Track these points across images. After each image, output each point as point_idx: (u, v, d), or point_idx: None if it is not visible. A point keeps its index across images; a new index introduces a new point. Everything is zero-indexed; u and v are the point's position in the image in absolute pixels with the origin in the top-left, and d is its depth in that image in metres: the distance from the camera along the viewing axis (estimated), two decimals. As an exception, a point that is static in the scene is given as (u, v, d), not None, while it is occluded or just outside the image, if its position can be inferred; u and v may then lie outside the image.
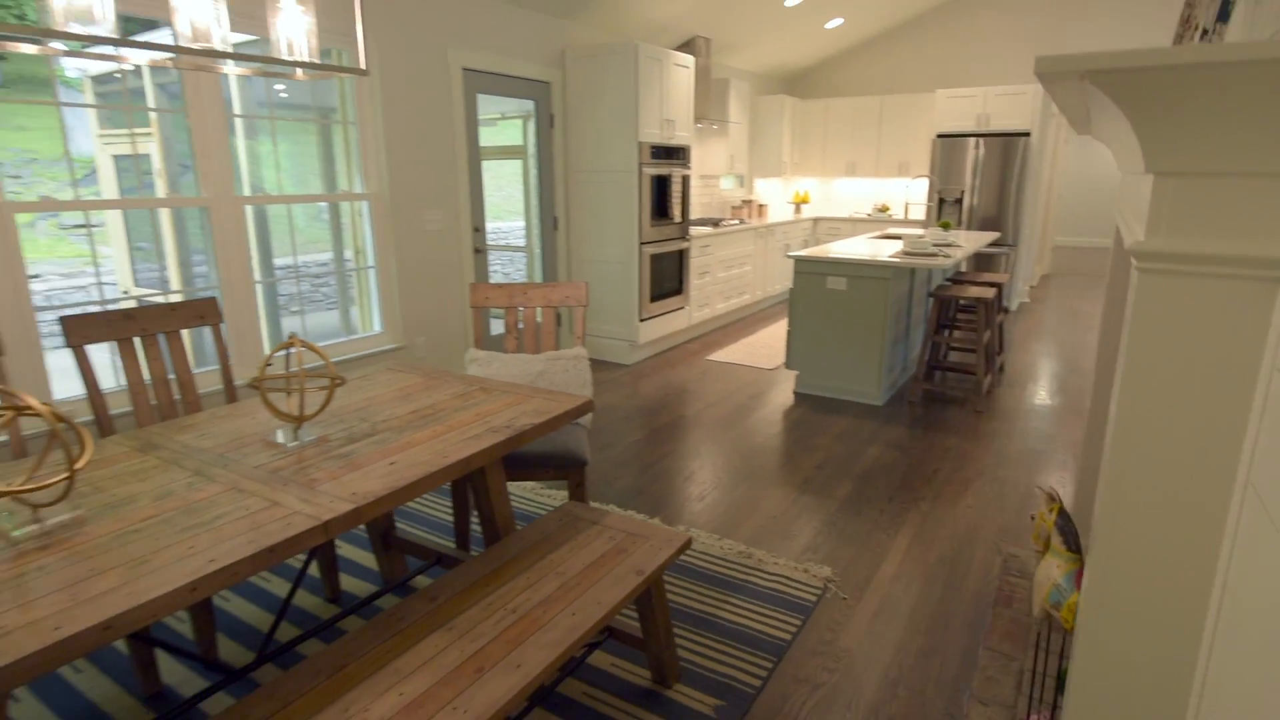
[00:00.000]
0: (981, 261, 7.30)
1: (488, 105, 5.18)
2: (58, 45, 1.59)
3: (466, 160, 4.60)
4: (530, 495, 3.27)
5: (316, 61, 1.72)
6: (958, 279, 5.11)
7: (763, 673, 2.09)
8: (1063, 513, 1.80)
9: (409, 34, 4.10)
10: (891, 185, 8.49)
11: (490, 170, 5.16)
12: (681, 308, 5.94)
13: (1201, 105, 0.81)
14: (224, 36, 1.56)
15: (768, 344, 6.09)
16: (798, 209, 8.72)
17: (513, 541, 1.94)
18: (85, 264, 9.37)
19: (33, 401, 1.35)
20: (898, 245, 5.15)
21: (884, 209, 8.44)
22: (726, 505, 3.16)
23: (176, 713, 1.91)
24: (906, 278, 4.77)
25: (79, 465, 1.40)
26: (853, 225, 8.31)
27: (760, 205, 7.98)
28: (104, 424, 2.10)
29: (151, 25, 3.48)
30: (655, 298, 5.56)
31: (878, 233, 6.32)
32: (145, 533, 1.37)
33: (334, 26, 3.73)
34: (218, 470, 1.66)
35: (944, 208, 7.36)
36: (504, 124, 5.93)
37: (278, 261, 5.50)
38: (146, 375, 2.83)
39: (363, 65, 2.02)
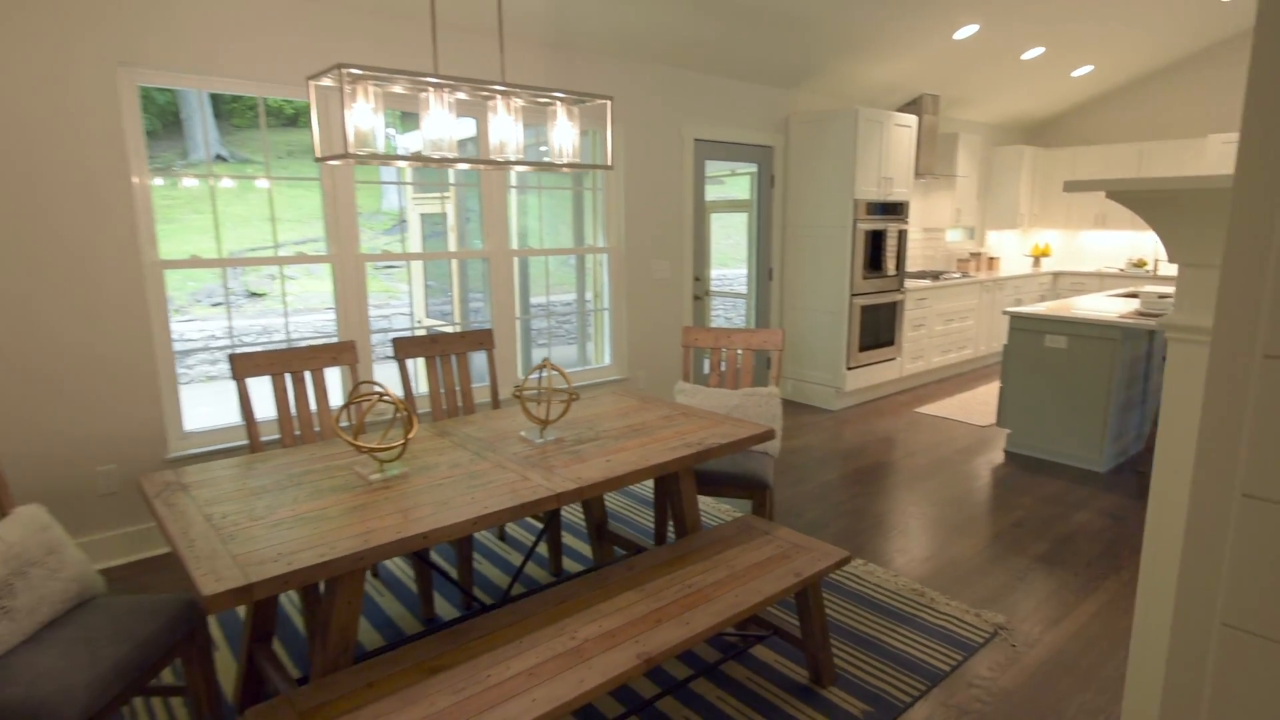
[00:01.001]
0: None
1: (719, 164, 5.79)
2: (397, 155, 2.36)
3: (691, 218, 5.21)
4: (718, 512, 3.66)
5: (578, 162, 2.33)
6: (1210, 343, 4.64)
7: (915, 693, 2.27)
8: None
9: (649, 113, 4.82)
10: (1149, 239, 7.74)
11: (719, 221, 5.74)
12: (893, 359, 6.01)
13: (1186, 214, 1.01)
14: (517, 147, 2.22)
15: (985, 400, 5.92)
16: (1036, 262, 8.27)
17: (696, 538, 2.36)
18: (390, 297, 11.51)
19: (390, 393, 2.05)
20: (1135, 304, 4.83)
21: (1140, 264, 7.71)
22: (910, 546, 3.30)
23: (443, 626, 2.57)
24: (1144, 340, 4.48)
25: (410, 437, 2.08)
26: (1099, 280, 7.70)
27: (991, 258, 7.72)
28: (412, 416, 2.89)
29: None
30: (865, 347, 5.72)
31: (1122, 290, 5.88)
32: (444, 486, 2.00)
33: (593, 112, 4.54)
34: (488, 453, 2.29)
35: (1212, 264, 6.58)
36: (731, 180, 6.52)
37: (533, 300, 6.53)
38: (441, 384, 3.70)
39: (609, 162, 2.63)
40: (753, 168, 5.75)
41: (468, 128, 4.37)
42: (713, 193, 5.59)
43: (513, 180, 4.95)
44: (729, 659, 2.41)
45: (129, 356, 3.12)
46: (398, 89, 2.03)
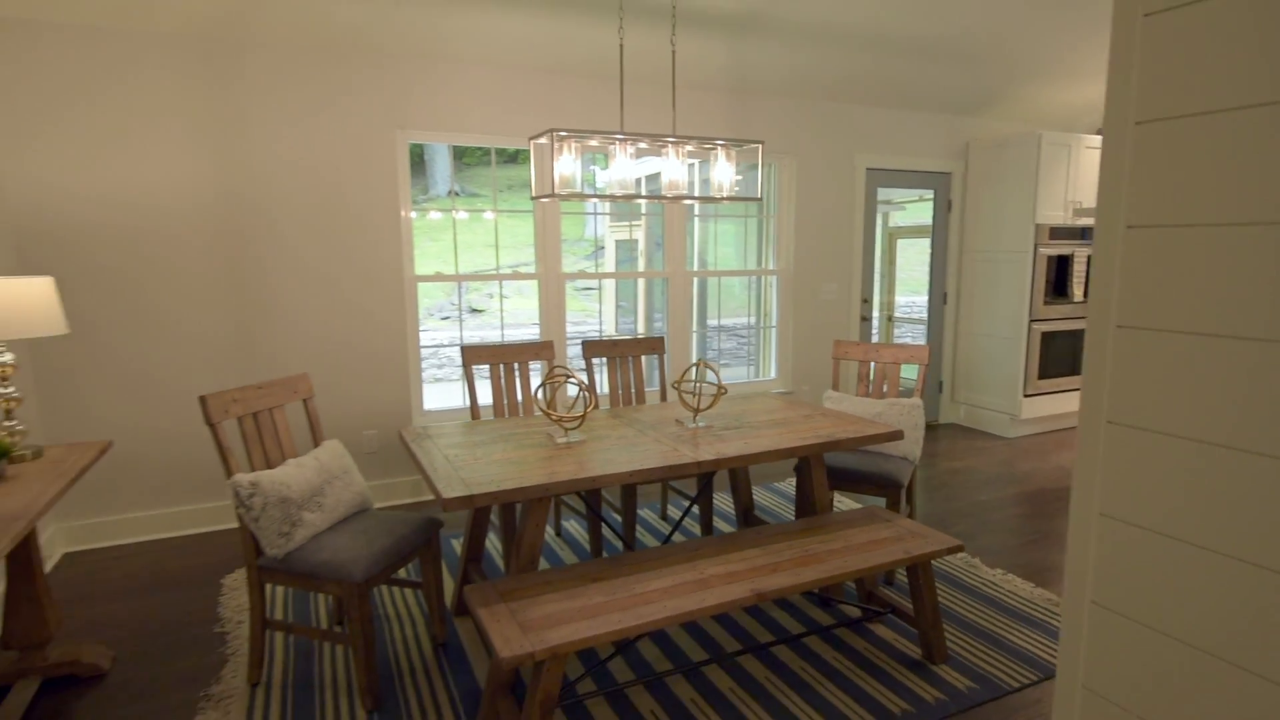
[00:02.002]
0: None
1: (903, 191, 5.97)
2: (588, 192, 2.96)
3: (861, 242, 5.45)
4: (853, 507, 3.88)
5: (736, 195, 2.80)
6: None
7: (1025, 680, 2.43)
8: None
9: (821, 145, 5.17)
10: None
11: (906, 247, 5.89)
12: (1079, 388, 5.75)
13: None
14: (684, 184, 2.74)
15: (1188, 438, 5.47)
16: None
17: (823, 518, 2.70)
18: (586, 315, 12.65)
19: (574, 374, 2.65)
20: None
21: None
22: (1054, 563, 3.33)
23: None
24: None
25: (589, 411, 2.65)
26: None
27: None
28: (590, 402, 3.49)
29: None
30: (1045, 375, 5.56)
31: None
32: (611, 450, 2.54)
33: (770, 146, 4.98)
34: (649, 431, 2.81)
35: None
36: (914, 206, 6.63)
37: (710, 321, 7.06)
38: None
39: (759, 195, 3.07)
40: (932, 193, 5.86)
41: (654, 166, 5.01)
42: (898, 218, 5.77)
43: (696, 210, 5.51)
44: (845, 624, 2.71)
45: (391, 349, 4.06)
46: (593, 142, 2.64)
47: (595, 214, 4.53)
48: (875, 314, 5.93)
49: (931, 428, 5.92)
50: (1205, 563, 0.99)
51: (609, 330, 8.64)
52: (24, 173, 3.26)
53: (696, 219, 5.86)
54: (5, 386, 2.42)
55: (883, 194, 5.77)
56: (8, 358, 2.43)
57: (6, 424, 2.40)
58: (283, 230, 3.74)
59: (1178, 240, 0.99)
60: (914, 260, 6.81)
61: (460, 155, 13.57)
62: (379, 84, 3.84)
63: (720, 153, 2.76)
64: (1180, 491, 1.00)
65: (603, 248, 10.47)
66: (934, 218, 5.86)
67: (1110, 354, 1.01)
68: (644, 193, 3.98)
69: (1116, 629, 1.11)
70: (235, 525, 3.81)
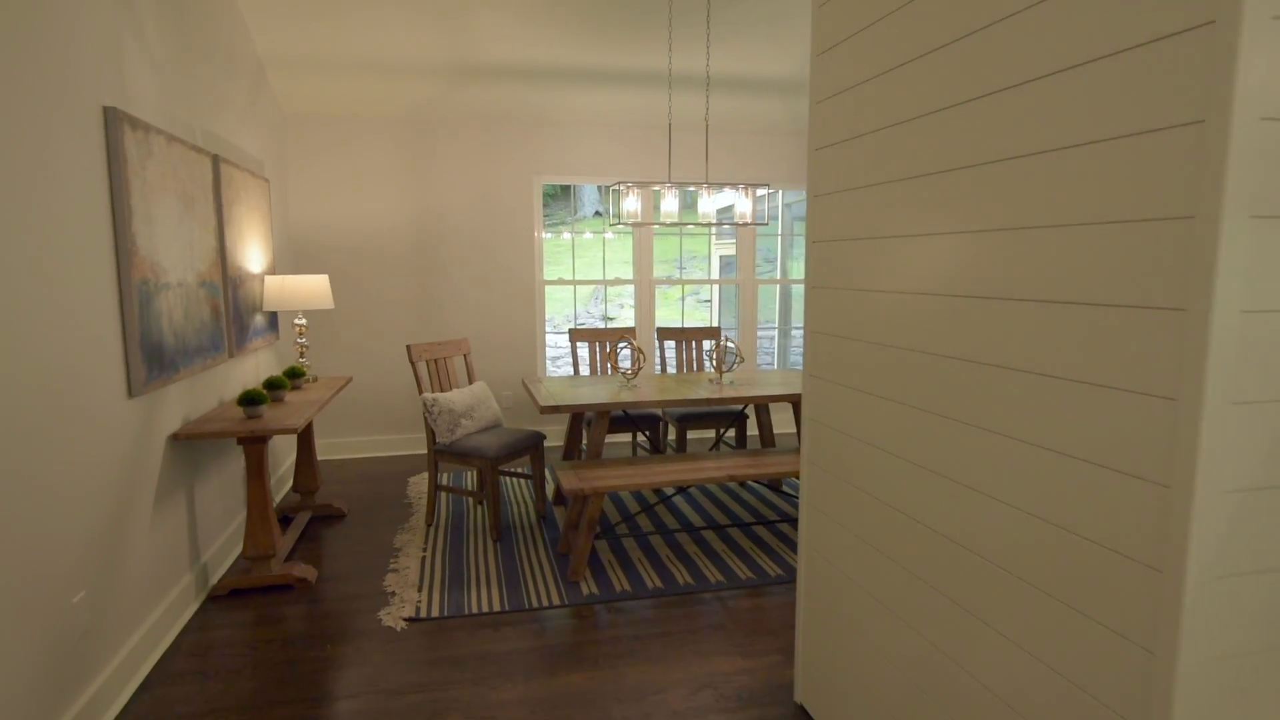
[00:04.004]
0: None
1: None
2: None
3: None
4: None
5: (750, 221, 4.00)
6: None
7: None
8: None
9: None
10: None
11: None
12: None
13: None
14: (709, 213, 3.98)
15: None
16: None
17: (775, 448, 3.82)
18: (701, 319, 13.86)
19: (634, 341, 3.97)
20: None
21: None
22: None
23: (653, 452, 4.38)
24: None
25: (640, 365, 3.97)
26: None
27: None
28: (642, 353, 4.79)
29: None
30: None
31: None
32: (655, 392, 3.83)
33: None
34: (687, 384, 4.06)
35: None
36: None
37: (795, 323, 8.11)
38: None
39: (766, 221, 4.23)
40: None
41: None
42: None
43: (777, 230, 6.65)
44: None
45: (524, 328, 5.57)
46: (650, 187, 3.95)
47: (680, 234, 5.78)
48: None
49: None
50: (857, 443, 2.08)
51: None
52: (303, 208, 5.07)
53: (777, 237, 7.00)
54: (301, 337, 4.10)
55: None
56: (303, 321, 4.11)
57: (301, 360, 4.08)
58: (454, 244, 5.36)
59: (842, 252, 2.12)
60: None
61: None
62: (522, 142, 5.39)
63: (741, 191, 3.97)
64: (848, 412, 2.10)
65: (709, 259, 11.75)
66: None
67: (810, 352, 2.14)
68: (716, 220, 5.20)
69: (827, 435, 2.19)
70: (415, 451, 5.45)
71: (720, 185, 3.95)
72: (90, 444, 2.26)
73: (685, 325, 5.37)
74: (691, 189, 4.04)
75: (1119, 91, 1.15)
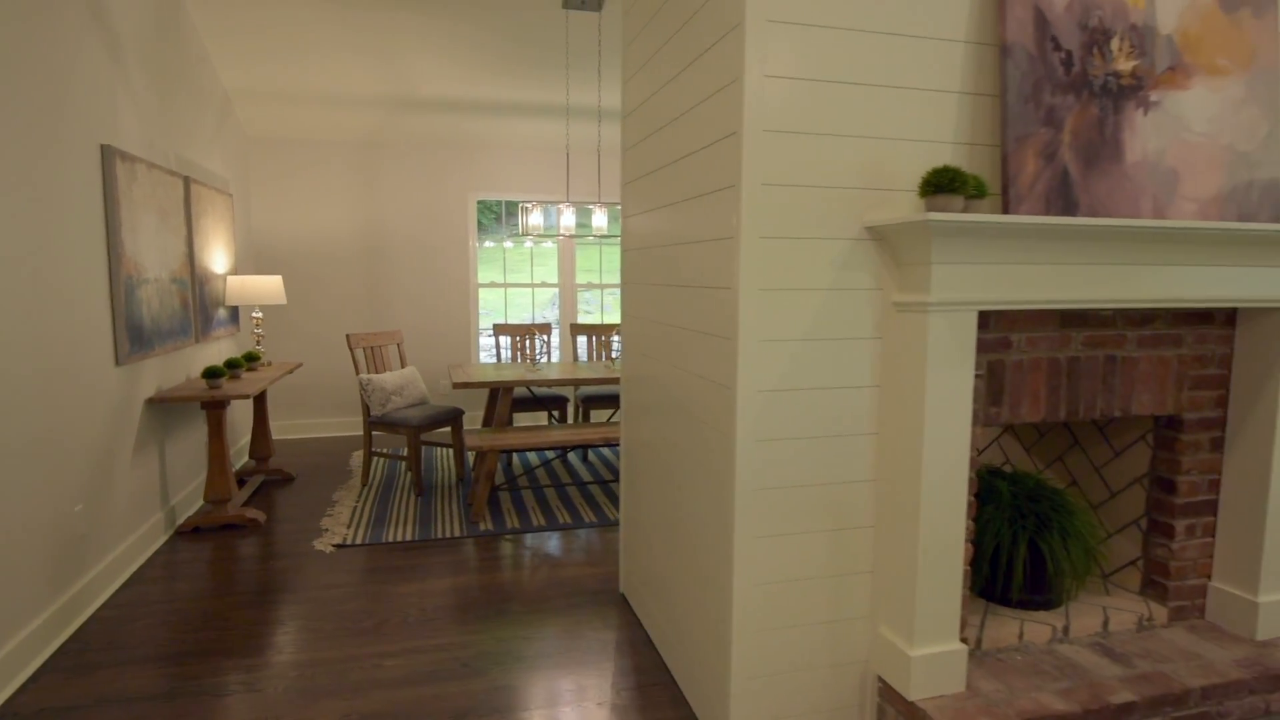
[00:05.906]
0: None
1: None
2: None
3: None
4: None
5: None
6: None
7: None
8: None
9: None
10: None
11: None
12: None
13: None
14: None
15: None
16: None
17: (675, 421, 4.67)
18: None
19: (538, 334, 4.79)
20: None
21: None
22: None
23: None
24: None
25: (536, 352, 4.78)
26: None
27: None
28: (544, 348, 5.61)
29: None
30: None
31: None
32: (556, 373, 4.64)
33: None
34: (585, 368, 4.88)
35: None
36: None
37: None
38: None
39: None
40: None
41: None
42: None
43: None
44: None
45: (459, 324, 6.35)
46: (549, 203, 4.75)
47: (600, 244, 6.65)
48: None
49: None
50: (645, 375, 2.92)
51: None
52: (263, 218, 5.82)
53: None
54: (258, 329, 4.85)
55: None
56: (259, 315, 4.87)
57: (258, 347, 4.83)
58: (397, 251, 6.13)
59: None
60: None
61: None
62: (458, 164, 6.19)
63: (598, 208, 4.81)
64: (640, 358, 2.95)
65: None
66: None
67: (626, 331, 2.99)
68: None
69: (632, 373, 3.03)
70: (360, 431, 6.19)
71: (608, 204, 4.78)
72: (86, 398, 3.01)
73: (604, 322, 6.19)
74: (590, 206, 4.87)
75: (708, 170, 2.00)
